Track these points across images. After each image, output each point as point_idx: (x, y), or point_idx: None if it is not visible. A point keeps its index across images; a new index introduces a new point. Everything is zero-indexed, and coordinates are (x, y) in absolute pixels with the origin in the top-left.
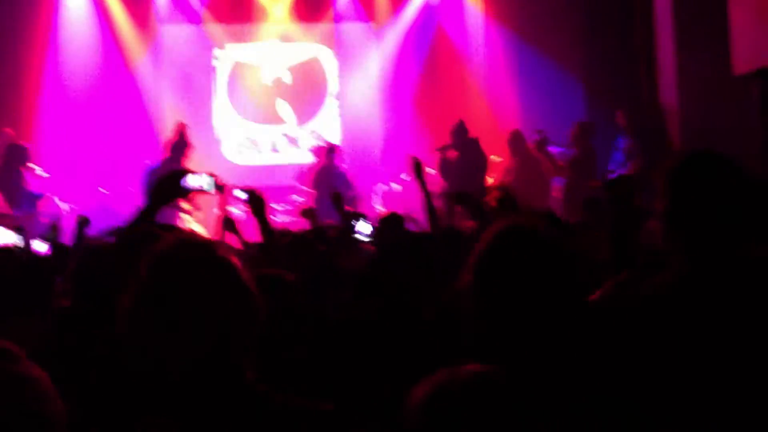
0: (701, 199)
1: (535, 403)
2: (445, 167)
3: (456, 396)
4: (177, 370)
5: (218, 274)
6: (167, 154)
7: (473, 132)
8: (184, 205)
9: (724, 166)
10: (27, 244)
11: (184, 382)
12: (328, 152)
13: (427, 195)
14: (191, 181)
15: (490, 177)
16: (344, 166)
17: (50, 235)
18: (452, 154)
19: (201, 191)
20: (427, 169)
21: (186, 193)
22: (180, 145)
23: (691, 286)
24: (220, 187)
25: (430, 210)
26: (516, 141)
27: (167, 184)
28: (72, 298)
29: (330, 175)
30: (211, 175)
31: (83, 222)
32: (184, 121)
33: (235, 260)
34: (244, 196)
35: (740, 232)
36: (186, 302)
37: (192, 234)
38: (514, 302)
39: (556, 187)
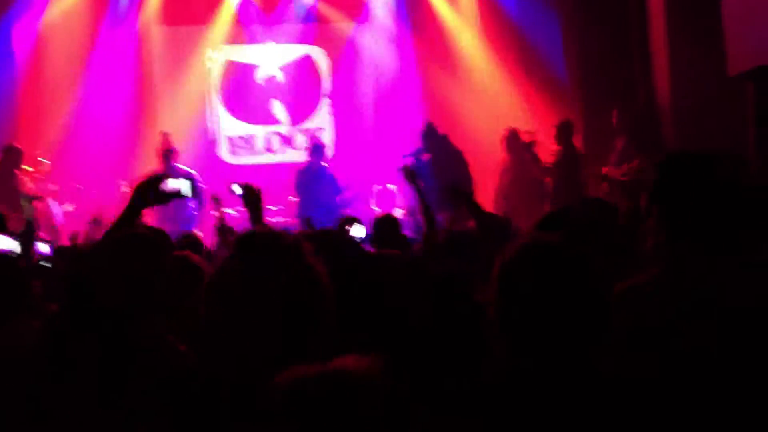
0: (680, 200)
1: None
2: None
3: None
4: (250, 363)
5: (294, 262)
6: (159, 162)
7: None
8: None
9: (703, 167)
10: (25, 249)
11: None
12: (311, 152)
13: (424, 201)
14: (170, 185)
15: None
16: (327, 165)
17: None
18: (425, 157)
19: (179, 196)
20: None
21: (165, 198)
22: (167, 153)
23: (671, 284)
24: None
25: (427, 216)
26: (510, 140)
27: (146, 189)
28: (63, 300)
29: (313, 176)
30: (191, 179)
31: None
32: (166, 130)
33: (308, 247)
34: (239, 191)
35: (723, 231)
36: (264, 292)
37: (266, 225)
38: (538, 317)
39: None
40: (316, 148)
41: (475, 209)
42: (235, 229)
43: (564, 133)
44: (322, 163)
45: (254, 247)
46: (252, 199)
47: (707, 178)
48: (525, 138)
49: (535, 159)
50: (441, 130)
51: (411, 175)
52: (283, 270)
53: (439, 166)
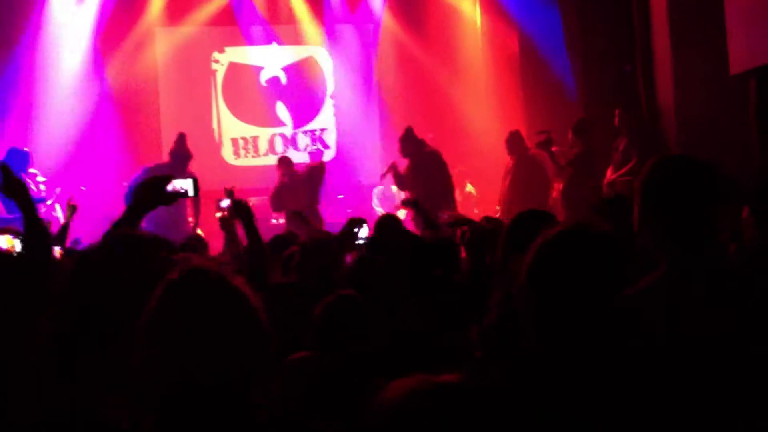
0: (671, 204)
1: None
2: (400, 179)
3: (426, 405)
4: (182, 393)
5: (230, 303)
6: (167, 161)
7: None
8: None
9: (696, 171)
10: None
11: (186, 404)
12: (278, 165)
13: (425, 215)
14: (175, 185)
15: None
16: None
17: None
18: (403, 163)
19: (184, 196)
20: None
21: (170, 198)
22: (178, 153)
23: (665, 290)
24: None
25: (427, 221)
26: (512, 141)
27: (150, 190)
28: (64, 304)
29: (288, 187)
30: (194, 178)
31: None
32: (184, 131)
33: (247, 289)
34: (226, 204)
35: (711, 235)
36: (196, 330)
37: (205, 261)
38: (569, 304)
39: (557, 188)
40: (279, 162)
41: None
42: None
43: (580, 132)
44: (291, 173)
45: (184, 287)
46: (241, 211)
47: (693, 181)
48: (540, 137)
49: (553, 157)
50: (435, 129)
51: (413, 202)
52: (217, 306)
53: (418, 170)
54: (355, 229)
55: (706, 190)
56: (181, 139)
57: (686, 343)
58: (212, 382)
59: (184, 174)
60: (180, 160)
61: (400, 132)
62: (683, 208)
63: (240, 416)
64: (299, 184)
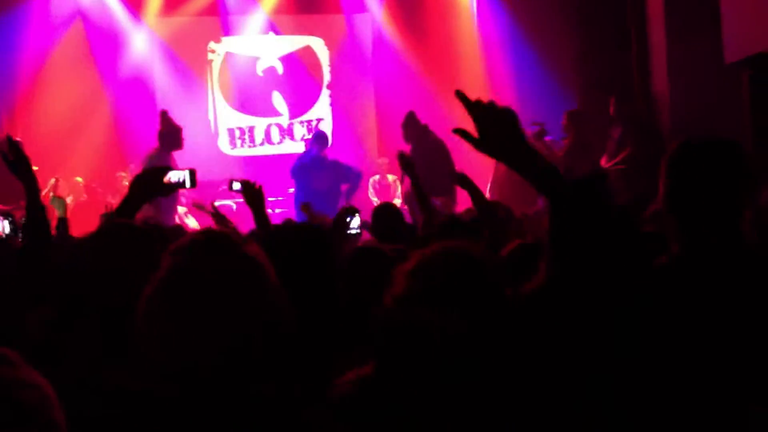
0: (699, 184)
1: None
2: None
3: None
4: (191, 365)
5: (244, 271)
6: (157, 143)
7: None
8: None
9: (724, 152)
10: (15, 232)
11: (195, 378)
12: (313, 140)
13: (419, 188)
14: (171, 177)
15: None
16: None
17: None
18: (407, 148)
19: (181, 187)
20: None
21: (167, 189)
22: (166, 132)
23: (687, 269)
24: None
25: (424, 202)
26: None
27: (147, 181)
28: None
29: (312, 164)
30: (191, 170)
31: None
32: (165, 109)
33: (264, 259)
34: (238, 187)
35: (736, 216)
36: (208, 298)
37: (221, 229)
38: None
39: None
40: (318, 137)
41: (476, 192)
42: (231, 220)
43: (574, 121)
44: (323, 153)
45: (206, 248)
46: (252, 195)
47: (717, 163)
48: (535, 128)
49: (548, 148)
50: (431, 120)
51: (407, 163)
52: (232, 269)
53: (420, 155)
54: (347, 219)
55: (731, 171)
56: (164, 116)
57: (695, 323)
58: (227, 353)
59: (178, 148)
60: (170, 138)
61: (396, 122)
62: (709, 189)
63: (248, 394)
64: (327, 165)
